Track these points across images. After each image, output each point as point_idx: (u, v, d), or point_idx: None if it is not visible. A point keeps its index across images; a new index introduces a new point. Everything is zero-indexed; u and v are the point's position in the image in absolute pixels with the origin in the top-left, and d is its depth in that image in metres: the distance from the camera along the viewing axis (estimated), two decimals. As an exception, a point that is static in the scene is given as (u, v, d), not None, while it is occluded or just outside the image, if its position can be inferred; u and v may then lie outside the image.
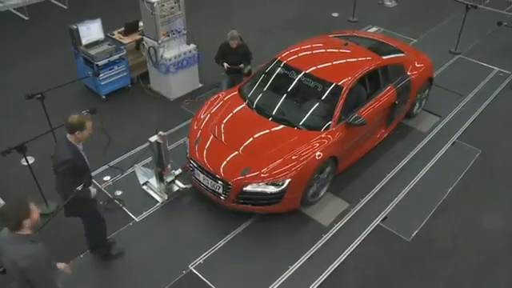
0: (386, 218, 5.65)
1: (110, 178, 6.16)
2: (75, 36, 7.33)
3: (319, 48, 6.85)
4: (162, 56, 7.41)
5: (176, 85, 7.79)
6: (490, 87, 8.19)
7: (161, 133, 5.47)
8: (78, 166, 4.29)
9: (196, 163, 5.65)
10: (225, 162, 5.45)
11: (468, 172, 6.35)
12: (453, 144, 6.87)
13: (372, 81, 6.36)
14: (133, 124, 7.25)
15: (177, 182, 5.93)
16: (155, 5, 6.94)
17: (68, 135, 4.29)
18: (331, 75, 6.07)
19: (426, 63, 7.21)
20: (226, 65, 7.16)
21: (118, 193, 5.91)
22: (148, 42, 7.48)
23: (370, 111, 6.07)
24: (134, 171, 6.28)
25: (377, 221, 5.61)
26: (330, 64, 6.38)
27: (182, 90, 7.95)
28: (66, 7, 11.27)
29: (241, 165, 5.42)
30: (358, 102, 6.12)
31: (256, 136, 5.73)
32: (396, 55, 6.92)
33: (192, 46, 7.71)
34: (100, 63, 7.30)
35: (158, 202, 5.82)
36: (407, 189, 6.06)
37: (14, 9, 11.08)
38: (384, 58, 6.58)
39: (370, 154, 6.55)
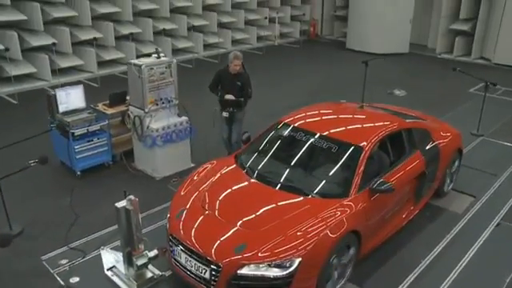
0: (429, 316, 4.20)
1: (66, 262, 4.82)
2: (52, 103, 6.48)
3: (330, 112, 5.97)
4: (148, 126, 6.48)
5: (163, 161, 6.75)
6: (525, 166, 7.15)
7: (131, 197, 4.29)
8: None
9: (177, 240, 4.38)
10: (218, 240, 4.18)
11: (525, 257, 5.01)
12: (497, 225, 5.59)
13: (396, 146, 5.33)
14: (108, 203, 5.97)
15: (150, 267, 4.58)
16: (143, 67, 6.21)
17: None
18: (349, 136, 5.09)
19: (453, 132, 6.25)
20: (229, 96, 6.45)
21: (74, 280, 4.53)
22: (134, 111, 6.62)
23: (396, 178, 4.92)
24: (99, 254, 4.95)
25: (417, 320, 4.16)
26: (345, 125, 5.45)
27: (170, 168, 6.87)
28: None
29: (235, 240, 4.15)
30: (381, 168, 5.01)
31: (258, 207, 4.52)
32: (419, 120, 5.99)
33: (184, 118, 6.83)
34: (77, 132, 6.35)
35: (124, 292, 4.41)
36: (451, 278, 4.66)
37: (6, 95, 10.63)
38: (407, 121, 5.64)
39: (398, 237, 5.25)
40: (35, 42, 10.89)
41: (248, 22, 15.85)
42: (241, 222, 4.33)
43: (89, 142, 6.55)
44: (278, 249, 4.01)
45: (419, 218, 5.63)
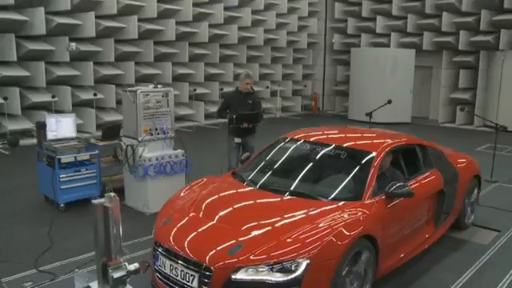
0: None
1: (30, 284, 4.12)
2: (41, 131, 6.11)
3: (337, 132, 5.62)
4: (140, 156, 6.04)
5: (155, 195, 6.15)
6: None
7: (111, 194, 3.71)
8: None
9: (162, 247, 3.76)
10: (209, 243, 3.60)
11: None
12: (531, 256, 4.92)
13: (410, 162, 4.88)
14: (89, 232, 5.40)
15: (129, 286, 3.87)
16: (138, 92, 5.94)
17: None
18: (359, 145, 4.73)
19: (468, 159, 5.82)
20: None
21: (37, 300, 3.83)
22: (126, 141, 6.23)
23: (414, 188, 4.37)
24: (71, 277, 4.24)
25: None
26: (355, 139, 5.07)
27: (163, 203, 6.26)
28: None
29: (231, 242, 3.54)
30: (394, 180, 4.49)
31: (258, 212, 4.01)
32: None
33: (180, 150, 6.42)
34: (63, 159, 5.89)
35: (95, 311, 3.67)
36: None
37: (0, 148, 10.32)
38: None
39: (419, 263, 4.60)
40: (36, 98, 10.83)
41: (250, 94, 16.01)
42: (239, 225, 3.76)
43: (76, 172, 6.06)
44: (280, 249, 3.39)
45: (441, 248, 5.00)
